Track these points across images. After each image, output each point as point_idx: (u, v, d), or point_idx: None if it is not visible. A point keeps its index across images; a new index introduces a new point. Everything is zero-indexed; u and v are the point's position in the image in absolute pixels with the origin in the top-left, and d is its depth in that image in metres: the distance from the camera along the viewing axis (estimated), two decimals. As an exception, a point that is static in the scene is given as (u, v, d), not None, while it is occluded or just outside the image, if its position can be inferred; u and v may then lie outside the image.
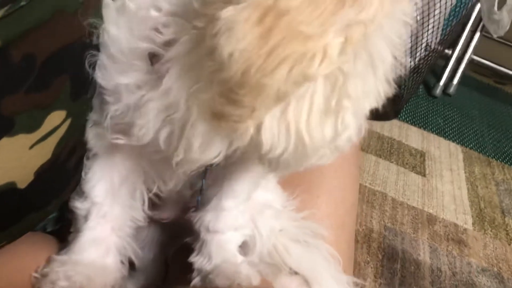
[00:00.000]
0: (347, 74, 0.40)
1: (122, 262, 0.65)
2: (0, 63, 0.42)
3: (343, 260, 0.80)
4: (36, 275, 0.59)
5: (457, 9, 1.64)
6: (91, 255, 0.62)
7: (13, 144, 0.47)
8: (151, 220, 0.73)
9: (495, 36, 1.87)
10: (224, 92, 0.40)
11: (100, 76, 0.54)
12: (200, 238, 0.70)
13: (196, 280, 0.68)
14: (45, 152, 0.52)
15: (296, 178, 0.84)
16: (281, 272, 0.77)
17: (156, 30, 0.49)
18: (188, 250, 0.72)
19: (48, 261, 0.60)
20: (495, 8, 1.79)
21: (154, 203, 0.69)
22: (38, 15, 0.44)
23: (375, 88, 0.45)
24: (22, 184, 0.51)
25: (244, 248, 0.76)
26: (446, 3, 1.59)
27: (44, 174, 0.53)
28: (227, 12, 0.37)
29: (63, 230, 0.67)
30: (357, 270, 1.18)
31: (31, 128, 0.48)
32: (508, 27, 1.79)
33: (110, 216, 0.63)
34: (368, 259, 1.25)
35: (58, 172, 0.57)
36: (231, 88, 0.39)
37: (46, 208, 0.59)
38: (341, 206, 0.88)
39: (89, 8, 0.52)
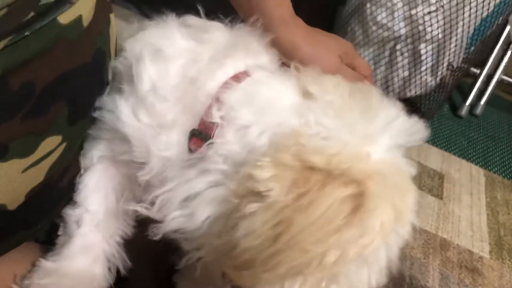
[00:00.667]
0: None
1: (109, 270, 0.66)
2: None
3: None
4: (15, 287, 0.59)
5: (481, 28, 1.58)
6: (79, 263, 0.62)
7: (5, 169, 0.48)
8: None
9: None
10: (232, 262, 0.48)
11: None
12: None
13: None
14: (37, 175, 0.53)
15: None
16: None
17: None
18: None
19: (34, 266, 0.61)
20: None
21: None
22: (41, 45, 0.45)
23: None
24: (12, 206, 0.51)
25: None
26: (470, 21, 1.54)
27: (35, 195, 0.53)
28: (251, 209, 0.46)
29: (55, 240, 0.67)
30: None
31: (25, 153, 0.49)
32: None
33: (102, 225, 0.64)
34: (373, 283, 1.21)
35: (50, 192, 0.57)
36: (237, 265, 0.46)
37: (36, 226, 0.59)
38: None
39: (93, 33, 0.52)
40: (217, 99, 0.57)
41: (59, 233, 0.65)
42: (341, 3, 1.78)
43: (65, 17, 0.47)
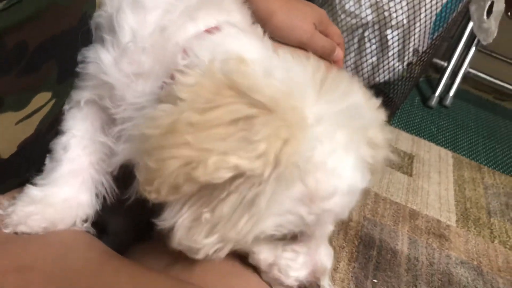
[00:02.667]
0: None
1: (97, 196, 0.66)
2: None
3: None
4: (0, 212, 0.62)
5: (443, 14, 1.68)
6: (65, 190, 0.63)
7: (1, 121, 0.52)
8: None
9: (484, 43, 1.91)
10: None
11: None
12: None
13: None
14: (29, 128, 0.58)
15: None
16: None
17: None
18: None
19: (20, 193, 0.61)
20: (485, 16, 1.83)
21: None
22: (33, 9, 0.49)
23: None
24: (5, 155, 0.56)
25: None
26: (431, 7, 1.64)
27: (26, 146, 0.58)
28: (163, 108, 0.51)
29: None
30: (331, 253, 1.20)
31: (19, 107, 0.54)
32: (495, 34, 1.82)
33: (89, 149, 0.65)
34: (344, 244, 1.27)
35: (39, 143, 0.62)
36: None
37: (25, 174, 0.63)
38: None
39: (83, 2, 0.58)
40: (184, 50, 0.59)
41: (46, 161, 0.66)
42: (313, -3, 1.87)
43: None
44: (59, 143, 0.64)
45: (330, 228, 0.58)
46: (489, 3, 1.84)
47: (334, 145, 0.52)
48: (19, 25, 0.48)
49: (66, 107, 0.66)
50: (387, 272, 1.22)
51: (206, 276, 0.58)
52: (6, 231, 0.58)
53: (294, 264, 0.59)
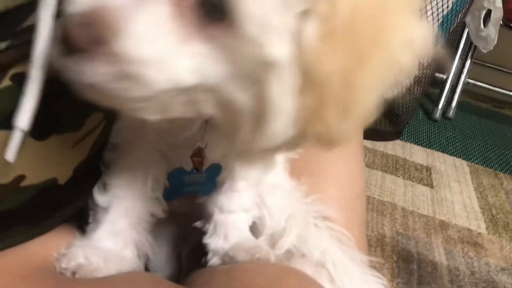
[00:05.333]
0: None
1: (138, 257, 0.65)
2: None
3: (356, 241, 0.80)
4: (56, 255, 0.59)
5: (444, 25, 1.71)
6: (109, 245, 0.61)
7: (60, 141, 0.50)
8: (167, 214, 0.73)
9: (484, 51, 1.93)
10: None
11: None
12: (212, 219, 0.70)
13: (213, 261, 0.68)
14: (83, 150, 0.55)
15: (301, 165, 0.86)
16: (294, 256, 0.77)
17: None
18: (201, 247, 0.72)
19: (69, 245, 0.61)
20: (482, 25, 1.87)
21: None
22: None
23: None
24: (62, 180, 0.53)
25: (253, 230, 0.76)
26: (433, 19, 1.67)
27: (81, 171, 0.56)
28: None
29: (82, 223, 0.68)
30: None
31: (76, 127, 0.52)
32: (496, 41, 1.85)
33: (130, 211, 0.63)
34: (383, 261, 1.23)
35: (91, 169, 0.59)
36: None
37: (77, 203, 0.60)
38: (349, 191, 0.88)
39: None
40: None
41: (89, 220, 0.65)
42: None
43: None
44: (102, 202, 0.62)
45: None
46: (484, 12, 1.89)
47: None
48: None
49: (108, 146, 0.64)
50: (432, 285, 1.19)
51: None
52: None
53: None
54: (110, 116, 0.59)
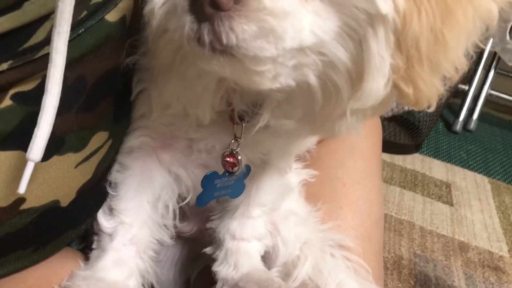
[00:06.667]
0: None
1: (143, 286, 0.62)
2: None
3: (372, 272, 0.76)
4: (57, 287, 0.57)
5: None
6: (113, 275, 0.59)
7: (62, 163, 0.48)
8: (174, 238, 0.71)
9: (510, 64, 1.87)
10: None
11: None
12: (223, 246, 0.68)
13: None
14: (87, 171, 0.53)
15: (317, 189, 0.82)
16: (308, 287, 0.73)
17: None
18: (210, 271, 0.69)
19: (71, 275, 0.58)
20: (507, 37, 1.81)
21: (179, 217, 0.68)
22: (93, 41, 0.47)
23: None
24: (64, 202, 0.51)
25: (266, 259, 0.73)
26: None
27: (84, 192, 0.53)
28: None
29: (87, 248, 0.65)
30: (388, 296, 1.12)
31: (78, 147, 0.50)
32: (522, 54, 1.79)
33: (137, 238, 0.61)
34: (400, 285, 1.19)
35: (95, 191, 0.57)
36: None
37: (81, 226, 0.58)
38: (367, 218, 0.84)
39: (133, 31, 0.55)
40: None
41: (93, 246, 0.63)
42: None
43: (112, 16, 0.49)
44: (108, 227, 0.60)
45: None
46: (510, 24, 1.82)
47: None
48: (79, 59, 0.46)
49: (116, 166, 0.61)
50: (450, 313, 1.14)
51: None
52: None
53: None
54: (116, 134, 0.56)
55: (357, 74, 0.39)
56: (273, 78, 0.39)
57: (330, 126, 0.45)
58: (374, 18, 0.37)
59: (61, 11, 0.38)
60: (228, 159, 0.56)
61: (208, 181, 0.60)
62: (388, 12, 0.36)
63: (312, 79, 0.40)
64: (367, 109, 0.42)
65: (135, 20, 0.55)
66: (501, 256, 1.41)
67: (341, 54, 0.39)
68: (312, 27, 0.37)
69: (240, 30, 0.35)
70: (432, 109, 0.43)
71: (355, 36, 0.38)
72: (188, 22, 0.37)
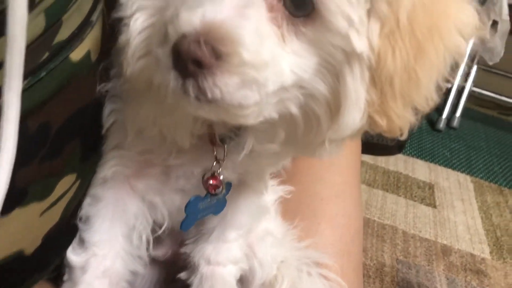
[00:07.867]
0: None
1: None
2: None
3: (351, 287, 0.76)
4: None
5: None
6: None
7: (25, 214, 0.46)
8: (149, 263, 0.69)
9: (490, 63, 1.87)
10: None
11: None
12: (198, 271, 0.66)
13: None
14: (54, 216, 0.51)
15: (294, 205, 0.81)
16: None
17: None
18: None
19: None
20: (488, 36, 1.80)
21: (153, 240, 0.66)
22: (55, 85, 0.44)
23: None
24: (29, 251, 0.49)
25: (242, 281, 0.72)
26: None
27: (51, 237, 0.51)
28: None
29: (59, 279, 0.63)
30: (370, 305, 1.12)
31: (43, 196, 0.47)
32: (502, 53, 1.79)
33: (110, 271, 0.59)
34: (382, 294, 1.19)
35: (64, 231, 0.55)
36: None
37: (49, 267, 0.56)
38: (346, 233, 0.84)
39: (98, 67, 0.52)
40: None
41: (64, 278, 0.61)
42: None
43: (76, 54, 0.46)
44: (78, 261, 0.58)
45: None
46: (490, 23, 1.82)
47: None
48: (41, 105, 0.43)
49: (88, 200, 0.59)
50: (433, 321, 1.15)
51: None
52: None
53: None
54: (85, 173, 0.54)
55: (335, 106, 0.41)
56: (257, 115, 0.40)
57: (311, 150, 0.47)
58: (350, 55, 0.38)
59: (10, 66, 0.35)
60: (210, 181, 0.55)
61: (191, 206, 0.59)
62: (363, 50, 0.37)
63: (294, 110, 0.41)
64: (344, 138, 0.43)
65: (105, 47, 0.52)
66: (483, 259, 1.41)
67: (320, 87, 0.40)
68: (292, 67, 0.38)
69: (224, 84, 0.36)
70: (404, 137, 0.44)
71: (333, 70, 0.39)
72: (172, 78, 0.37)
